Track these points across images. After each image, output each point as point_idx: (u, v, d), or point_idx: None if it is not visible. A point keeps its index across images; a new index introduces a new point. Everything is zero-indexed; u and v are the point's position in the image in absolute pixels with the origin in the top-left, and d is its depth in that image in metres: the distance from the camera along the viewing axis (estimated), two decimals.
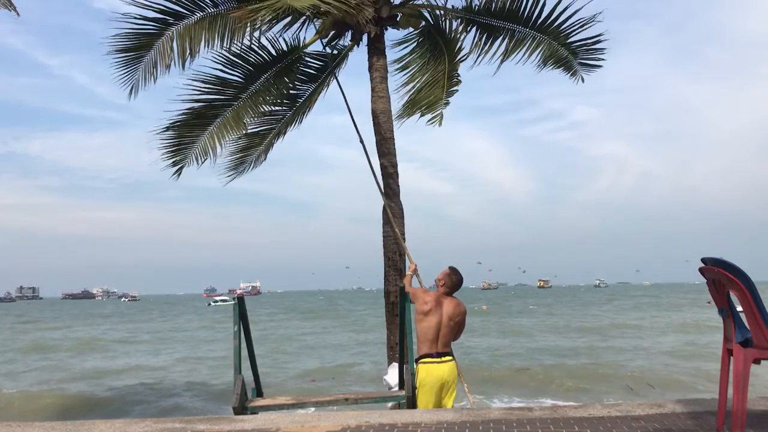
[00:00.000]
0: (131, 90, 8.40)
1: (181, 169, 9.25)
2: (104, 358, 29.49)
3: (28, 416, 15.27)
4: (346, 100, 8.96)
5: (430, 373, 5.73)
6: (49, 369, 25.33)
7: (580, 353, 26.85)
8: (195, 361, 26.97)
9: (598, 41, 8.86)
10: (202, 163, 9.16)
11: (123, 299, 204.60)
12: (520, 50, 9.11)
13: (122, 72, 8.28)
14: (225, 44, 8.16)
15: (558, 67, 9.30)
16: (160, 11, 7.84)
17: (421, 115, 9.49)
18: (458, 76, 9.56)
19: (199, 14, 8.02)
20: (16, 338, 42.83)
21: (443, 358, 5.81)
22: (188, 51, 7.93)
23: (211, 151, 9.05)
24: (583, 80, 9.46)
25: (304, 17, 8.75)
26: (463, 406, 6.69)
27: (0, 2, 7.92)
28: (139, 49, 8.12)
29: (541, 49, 9.03)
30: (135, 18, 7.81)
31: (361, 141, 8.60)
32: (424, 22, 9.30)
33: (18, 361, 28.52)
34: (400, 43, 9.74)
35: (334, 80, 9.56)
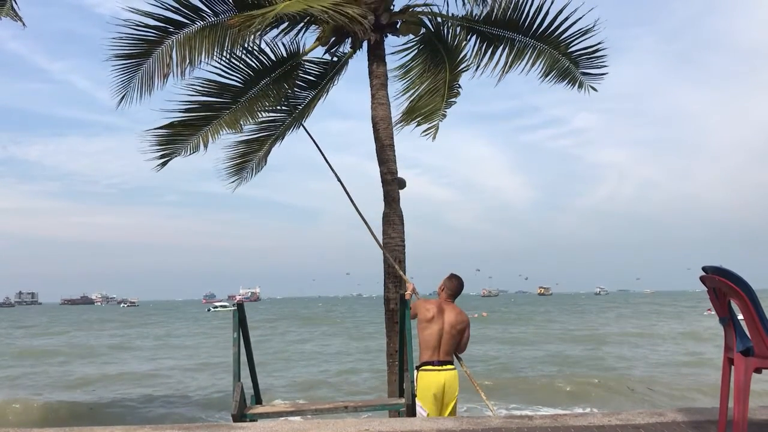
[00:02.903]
0: (122, 98, 8.40)
1: (166, 162, 9.19)
2: (101, 364, 29.40)
3: (23, 424, 15.22)
4: (318, 146, 8.87)
5: (430, 380, 5.72)
6: (44, 376, 25.23)
7: (580, 361, 26.81)
8: (193, 368, 26.90)
9: (598, 50, 8.87)
10: (191, 153, 9.11)
11: (122, 305, 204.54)
12: (522, 61, 9.12)
13: (121, 78, 8.30)
14: (225, 52, 8.18)
15: (563, 80, 9.30)
16: (161, 20, 7.86)
17: (418, 125, 9.48)
18: (459, 86, 9.56)
19: (199, 23, 8.03)
20: (11, 344, 42.73)
21: (444, 367, 5.80)
22: (188, 60, 7.95)
23: (203, 148, 9.02)
24: (595, 90, 9.44)
25: (301, 23, 8.77)
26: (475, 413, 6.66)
27: (6, 14, 7.93)
28: (138, 56, 8.13)
29: (542, 60, 9.04)
30: (136, 25, 7.83)
31: (339, 180, 8.49)
32: (424, 30, 9.32)
33: (12, 367, 28.41)
34: (400, 51, 9.76)
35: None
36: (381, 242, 8.27)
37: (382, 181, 8.53)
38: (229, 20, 7.31)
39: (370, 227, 8.24)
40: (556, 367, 24.81)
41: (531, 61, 9.09)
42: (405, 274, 8.31)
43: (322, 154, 8.78)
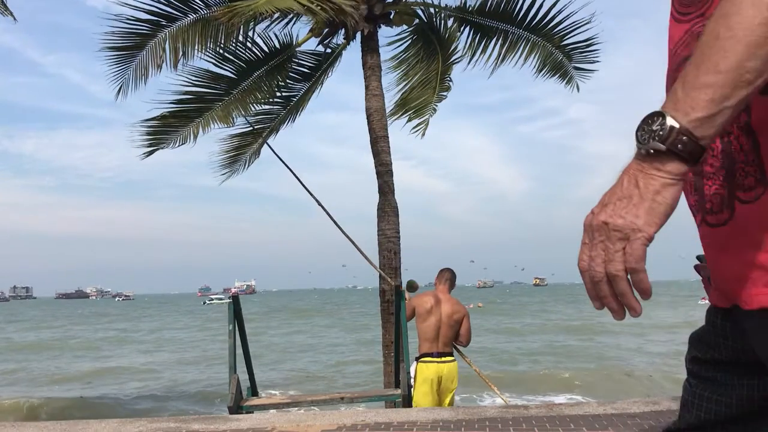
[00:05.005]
0: (119, 90, 8.38)
1: (152, 152, 9.10)
2: (95, 358, 29.35)
3: (17, 419, 15.18)
4: (286, 164, 8.17)
5: (429, 371, 5.74)
6: (37, 370, 25.15)
7: (576, 351, 26.93)
8: (189, 361, 26.90)
9: (592, 43, 8.86)
10: (180, 145, 9.05)
11: (117, 299, 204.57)
12: (515, 54, 9.10)
13: (114, 70, 8.27)
14: (218, 44, 8.15)
15: (554, 75, 9.32)
16: (153, 13, 7.82)
17: (409, 120, 9.44)
18: (450, 79, 9.54)
19: (192, 16, 7.99)
20: (7, 338, 42.60)
21: (443, 358, 5.82)
22: (181, 53, 7.91)
23: (193, 140, 8.97)
24: (578, 89, 9.45)
25: (291, 14, 8.71)
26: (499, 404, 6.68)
27: None
28: (131, 49, 8.10)
29: (536, 53, 9.03)
30: (127, 19, 7.80)
31: (320, 204, 7.99)
32: (417, 20, 9.29)
33: (6, 362, 28.29)
34: (393, 42, 9.73)
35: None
36: (377, 265, 8.22)
37: (377, 173, 8.52)
38: (216, 13, 7.26)
39: (356, 244, 7.95)
40: (551, 357, 24.92)
41: (524, 54, 9.08)
42: (400, 266, 8.34)
43: (292, 172, 8.18)
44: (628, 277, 0.87)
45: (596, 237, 0.88)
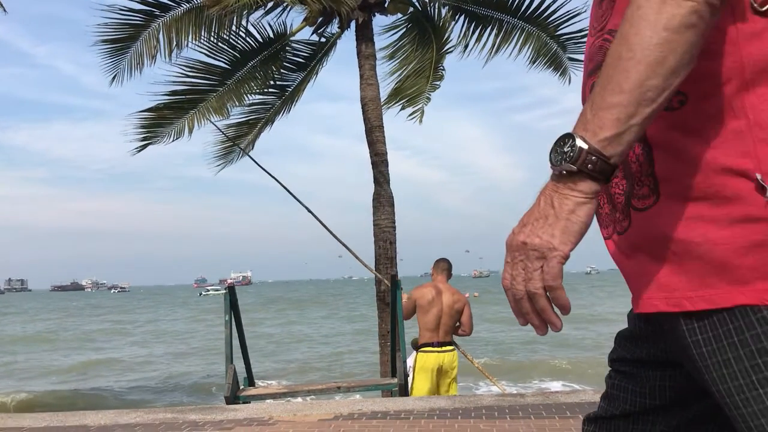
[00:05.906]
0: (113, 78, 8.36)
1: (144, 147, 9.07)
2: (90, 350, 29.30)
3: (13, 412, 15.18)
4: (268, 172, 8.09)
5: (429, 361, 5.75)
6: (31, 362, 25.11)
7: (572, 340, 27.02)
8: (185, 352, 26.91)
9: (587, 35, 8.82)
10: (175, 139, 9.03)
11: (112, 290, 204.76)
12: (510, 43, 9.08)
13: (108, 61, 8.24)
14: (213, 34, 8.11)
15: (548, 66, 9.30)
16: (146, 3, 7.78)
17: (402, 108, 9.42)
18: (443, 69, 9.52)
19: (185, 6, 7.95)
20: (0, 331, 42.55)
21: (444, 348, 5.83)
22: (174, 43, 7.88)
23: (188, 133, 8.94)
24: (570, 81, 9.45)
25: (284, 3, 8.67)
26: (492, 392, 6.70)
27: None
28: (125, 40, 8.07)
29: (530, 43, 9.01)
30: (121, 9, 7.76)
31: (308, 209, 7.92)
32: (412, 9, 9.25)
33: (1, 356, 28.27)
34: (388, 30, 9.69)
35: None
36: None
37: (372, 163, 8.51)
38: (207, 3, 7.23)
39: (349, 246, 7.88)
40: (547, 346, 24.99)
41: (519, 43, 9.06)
42: (396, 257, 8.33)
43: (278, 181, 8.03)
44: (548, 294, 0.91)
45: (516, 256, 0.92)
